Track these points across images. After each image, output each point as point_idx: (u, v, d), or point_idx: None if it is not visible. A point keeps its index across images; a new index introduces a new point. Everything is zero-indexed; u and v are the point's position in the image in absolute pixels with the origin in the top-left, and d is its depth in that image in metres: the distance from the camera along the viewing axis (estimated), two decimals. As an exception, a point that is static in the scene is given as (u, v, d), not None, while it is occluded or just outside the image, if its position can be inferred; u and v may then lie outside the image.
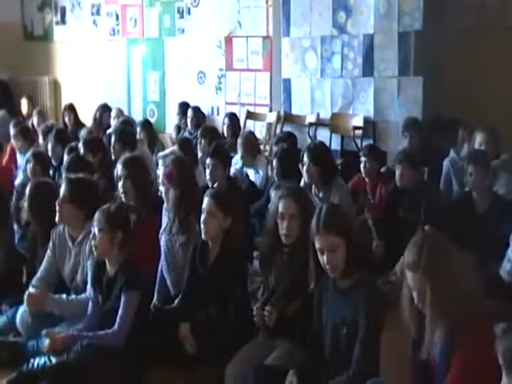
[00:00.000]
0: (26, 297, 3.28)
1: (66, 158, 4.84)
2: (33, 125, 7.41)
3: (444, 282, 2.06)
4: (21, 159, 5.76)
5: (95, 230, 3.08)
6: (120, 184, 3.81)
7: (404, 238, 3.95)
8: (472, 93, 5.46)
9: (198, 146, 5.70)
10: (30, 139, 6.02)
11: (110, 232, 3.06)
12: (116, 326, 3.00)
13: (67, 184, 3.51)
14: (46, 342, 2.99)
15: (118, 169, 3.86)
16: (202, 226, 3.14)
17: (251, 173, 5.48)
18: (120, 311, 2.99)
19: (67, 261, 3.49)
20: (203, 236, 3.17)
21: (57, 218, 3.45)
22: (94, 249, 3.12)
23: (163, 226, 3.63)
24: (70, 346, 2.96)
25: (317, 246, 2.51)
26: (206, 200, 3.17)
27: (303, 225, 2.82)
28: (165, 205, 3.66)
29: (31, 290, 3.38)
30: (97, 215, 3.11)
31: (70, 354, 2.93)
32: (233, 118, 6.50)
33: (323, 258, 2.50)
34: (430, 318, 2.07)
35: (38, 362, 2.97)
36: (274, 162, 4.62)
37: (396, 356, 2.70)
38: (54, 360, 2.95)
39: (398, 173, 4.34)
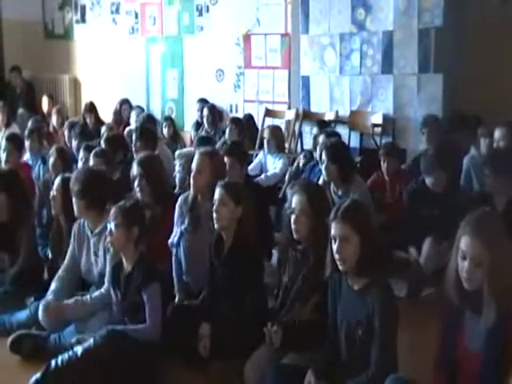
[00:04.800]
0: (41, 310, 3.34)
1: (81, 154, 4.85)
2: (53, 124, 7.53)
3: (502, 256, 2.10)
4: (31, 159, 5.80)
5: (111, 225, 3.11)
6: (136, 183, 3.86)
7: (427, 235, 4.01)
8: (493, 90, 5.40)
9: (227, 133, 5.90)
10: (41, 141, 6.05)
11: (126, 227, 3.09)
12: (148, 321, 3.01)
13: (74, 179, 3.55)
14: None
15: (134, 168, 3.92)
16: (214, 215, 3.19)
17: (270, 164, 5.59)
18: (147, 308, 3.01)
19: (84, 253, 3.54)
20: (216, 226, 3.21)
21: (75, 212, 3.52)
22: (110, 245, 3.15)
23: (183, 226, 3.64)
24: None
25: (331, 232, 2.50)
26: (217, 191, 3.23)
27: (314, 221, 2.83)
28: (180, 205, 3.70)
29: (49, 298, 3.43)
30: (113, 211, 3.14)
31: (95, 339, 2.94)
32: (248, 120, 6.54)
33: (334, 247, 2.49)
34: (487, 292, 2.10)
35: (63, 358, 2.97)
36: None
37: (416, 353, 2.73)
38: (79, 350, 2.96)
39: (431, 179, 4.20)
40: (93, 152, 4.58)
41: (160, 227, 3.70)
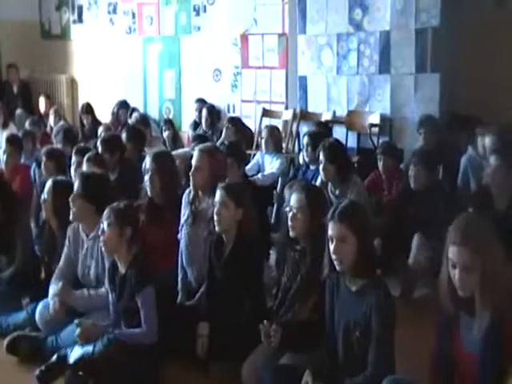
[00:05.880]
0: (52, 302, 3.35)
1: (73, 158, 4.79)
2: (50, 124, 7.53)
3: (492, 261, 2.08)
4: (25, 161, 5.81)
5: (104, 225, 3.10)
6: (147, 177, 3.83)
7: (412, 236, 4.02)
8: (490, 89, 5.42)
9: (223, 133, 5.98)
10: (35, 143, 6.07)
11: (118, 228, 3.08)
12: (144, 326, 3.02)
13: (79, 179, 3.56)
14: (78, 330, 3.02)
15: (147, 162, 3.88)
16: (215, 217, 3.18)
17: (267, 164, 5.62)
18: (142, 313, 3.02)
19: (80, 256, 3.52)
20: (217, 228, 3.20)
21: (71, 215, 3.49)
22: (102, 244, 3.14)
23: (184, 218, 3.67)
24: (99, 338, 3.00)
25: (328, 232, 2.51)
26: (218, 192, 3.22)
27: (311, 220, 2.83)
28: (184, 198, 3.72)
29: (54, 286, 3.43)
30: (106, 211, 3.13)
31: (95, 346, 2.95)
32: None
33: (331, 247, 2.49)
34: (479, 297, 2.09)
35: (66, 352, 3.02)
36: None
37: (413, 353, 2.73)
38: (80, 350, 2.98)
39: (412, 174, 4.28)
40: (85, 157, 4.50)
41: (169, 226, 3.70)
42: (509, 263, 2.17)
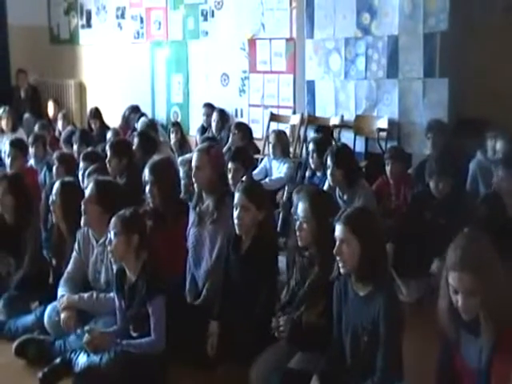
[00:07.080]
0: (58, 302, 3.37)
1: (81, 164, 4.77)
2: (59, 129, 7.56)
3: (493, 283, 2.04)
4: (36, 165, 5.83)
5: (111, 234, 3.09)
6: (147, 189, 3.84)
7: (430, 240, 4.00)
8: (498, 94, 5.39)
9: (230, 138, 5.99)
10: (45, 147, 6.10)
11: (125, 236, 3.06)
12: (153, 335, 3.01)
13: (94, 185, 3.55)
14: (86, 337, 3.02)
15: (146, 174, 3.89)
16: (236, 221, 3.15)
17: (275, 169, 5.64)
18: (152, 321, 3.01)
19: (91, 261, 3.53)
20: (237, 231, 3.18)
21: (82, 220, 3.49)
22: (110, 254, 3.13)
23: (190, 221, 3.69)
24: (107, 348, 3.00)
25: (335, 233, 2.52)
26: (237, 195, 3.19)
27: (318, 229, 2.81)
28: (193, 201, 3.74)
29: (61, 289, 3.44)
30: (113, 220, 3.11)
31: (102, 359, 2.95)
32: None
33: (335, 247, 2.50)
34: (484, 319, 2.06)
35: (73, 356, 3.04)
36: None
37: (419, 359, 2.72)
38: (86, 358, 3.00)
39: (436, 185, 4.15)
40: (86, 173, 4.46)
41: (172, 234, 3.70)
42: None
